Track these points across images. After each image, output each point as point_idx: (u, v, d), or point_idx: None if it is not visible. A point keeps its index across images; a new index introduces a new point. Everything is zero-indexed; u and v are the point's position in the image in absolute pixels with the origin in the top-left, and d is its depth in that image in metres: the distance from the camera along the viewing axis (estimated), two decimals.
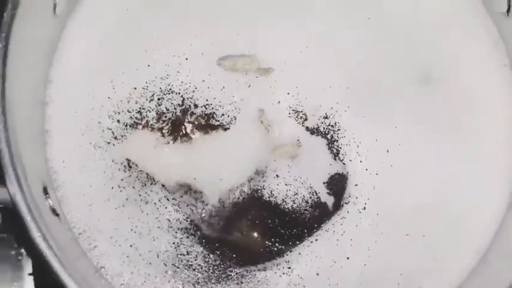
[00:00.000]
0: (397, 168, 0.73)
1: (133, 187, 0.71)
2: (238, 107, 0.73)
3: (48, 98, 0.71)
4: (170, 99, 0.73)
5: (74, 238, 0.69)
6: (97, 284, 0.67)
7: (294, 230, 0.72)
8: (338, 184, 0.73)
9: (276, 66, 0.74)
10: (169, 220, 0.71)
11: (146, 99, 0.73)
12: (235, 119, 0.73)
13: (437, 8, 0.77)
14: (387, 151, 0.73)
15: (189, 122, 0.73)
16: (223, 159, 0.73)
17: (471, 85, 0.75)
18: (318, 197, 0.72)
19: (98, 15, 0.74)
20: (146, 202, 0.71)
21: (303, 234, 0.72)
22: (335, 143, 0.73)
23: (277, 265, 0.71)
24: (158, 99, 0.73)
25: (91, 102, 0.72)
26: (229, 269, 0.70)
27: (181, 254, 0.70)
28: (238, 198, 0.72)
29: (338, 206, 0.72)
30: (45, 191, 0.66)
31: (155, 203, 0.71)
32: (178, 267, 0.70)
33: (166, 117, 0.73)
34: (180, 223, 0.71)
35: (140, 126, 0.72)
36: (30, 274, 0.66)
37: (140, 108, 0.73)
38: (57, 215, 0.66)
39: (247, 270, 0.70)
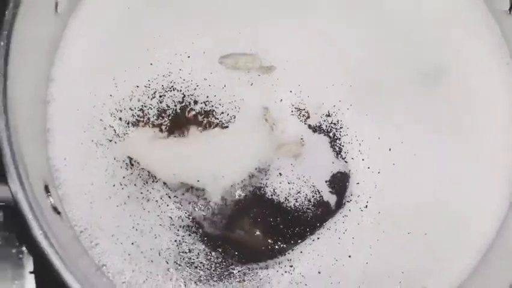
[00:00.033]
0: (399, 167, 0.73)
1: (135, 185, 0.71)
2: (238, 106, 0.73)
3: (50, 97, 0.71)
4: (171, 96, 0.73)
5: (76, 236, 0.69)
6: (99, 282, 0.67)
7: (296, 229, 0.72)
8: (340, 182, 0.73)
9: (278, 64, 0.74)
10: (170, 218, 0.71)
11: (148, 97, 0.73)
12: (235, 117, 0.73)
13: (438, 6, 0.77)
14: (390, 149, 0.73)
15: (190, 120, 0.73)
16: (223, 157, 0.73)
17: (472, 84, 0.75)
18: (321, 196, 0.72)
19: (99, 13, 0.74)
20: (148, 200, 0.71)
21: (305, 233, 0.72)
22: (337, 141, 0.73)
23: (279, 263, 0.71)
24: (160, 96, 0.73)
25: (93, 100, 0.72)
26: (231, 267, 0.70)
27: (183, 252, 0.70)
28: (241, 196, 0.72)
29: (340, 204, 0.72)
30: (46, 189, 0.66)
31: (157, 201, 0.71)
32: (179, 265, 0.70)
33: (167, 114, 0.73)
34: (182, 221, 0.71)
35: (142, 124, 0.72)
36: (31, 272, 0.66)
37: (142, 106, 0.73)
38: (58, 213, 0.66)
39: (249, 268, 0.70)
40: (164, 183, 0.71)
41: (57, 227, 0.63)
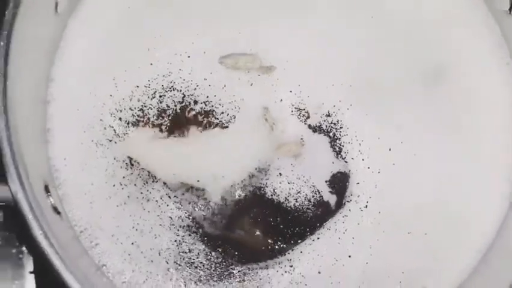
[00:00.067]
0: (399, 167, 0.73)
1: (135, 185, 0.71)
2: (238, 106, 0.73)
3: (50, 97, 0.71)
4: (171, 96, 0.73)
5: (76, 236, 0.69)
6: (99, 282, 0.67)
7: (296, 228, 0.72)
8: (340, 182, 0.73)
9: (278, 64, 0.74)
10: (170, 218, 0.71)
11: (148, 97, 0.73)
12: (235, 117, 0.73)
13: (438, 6, 0.77)
14: (390, 149, 0.73)
15: (190, 120, 0.73)
16: (223, 157, 0.73)
17: (472, 84, 0.75)
18: (321, 196, 0.72)
19: (99, 13, 0.74)
20: (148, 200, 0.71)
21: (305, 233, 0.72)
22: (337, 141, 0.73)
23: (279, 263, 0.71)
24: (160, 96, 0.73)
25: (93, 100, 0.72)
26: (231, 267, 0.70)
27: (183, 252, 0.70)
28: (241, 196, 0.72)
29: (340, 204, 0.72)
30: (46, 189, 0.66)
31: (157, 201, 0.71)
32: (180, 265, 0.70)
33: (167, 114, 0.73)
34: (182, 221, 0.71)
35: (141, 124, 0.72)
36: (31, 272, 0.67)
37: (142, 106, 0.73)
38: (58, 213, 0.66)
39: (249, 268, 0.70)
40: (164, 183, 0.71)
41: (57, 227, 0.63)
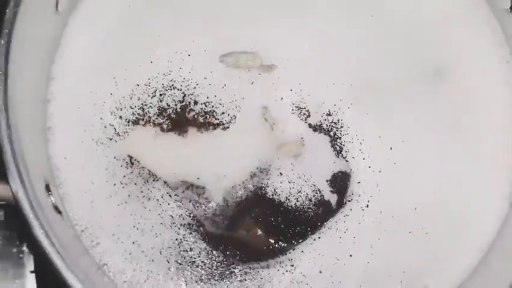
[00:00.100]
0: (400, 166, 0.73)
1: (135, 184, 0.71)
2: (239, 106, 0.73)
3: (51, 95, 0.71)
4: (171, 95, 0.73)
5: (77, 235, 0.68)
6: (100, 281, 0.67)
7: (298, 228, 0.72)
8: (341, 182, 0.73)
9: (279, 63, 0.74)
10: (171, 216, 0.71)
11: (149, 96, 0.73)
12: (235, 117, 0.73)
13: (438, 6, 0.77)
14: (391, 148, 0.73)
15: (190, 120, 0.73)
16: (224, 157, 0.73)
17: (473, 84, 0.75)
18: (322, 195, 0.72)
19: (100, 12, 0.74)
20: (149, 198, 0.71)
21: (306, 232, 0.72)
22: (338, 140, 0.73)
23: (280, 263, 0.71)
24: (160, 95, 0.73)
25: (93, 99, 0.72)
26: (232, 266, 0.70)
27: (184, 251, 0.70)
28: (242, 196, 0.72)
29: (341, 203, 0.72)
30: (47, 188, 0.66)
31: (157, 200, 0.71)
32: (181, 264, 0.70)
33: (167, 113, 0.73)
34: (183, 219, 0.71)
35: (142, 123, 0.72)
36: (32, 271, 0.67)
37: (142, 104, 0.72)
38: (59, 212, 0.66)
39: (250, 268, 0.70)
40: (165, 182, 0.71)
41: (58, 226, 0.63)
